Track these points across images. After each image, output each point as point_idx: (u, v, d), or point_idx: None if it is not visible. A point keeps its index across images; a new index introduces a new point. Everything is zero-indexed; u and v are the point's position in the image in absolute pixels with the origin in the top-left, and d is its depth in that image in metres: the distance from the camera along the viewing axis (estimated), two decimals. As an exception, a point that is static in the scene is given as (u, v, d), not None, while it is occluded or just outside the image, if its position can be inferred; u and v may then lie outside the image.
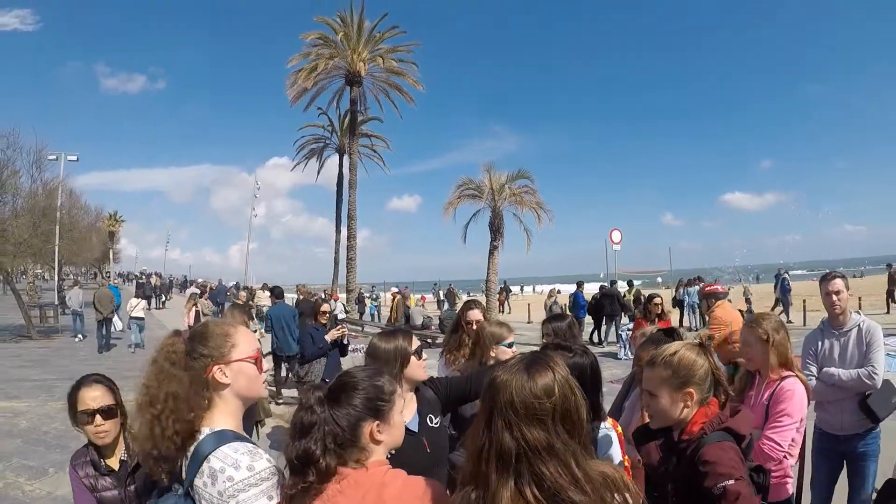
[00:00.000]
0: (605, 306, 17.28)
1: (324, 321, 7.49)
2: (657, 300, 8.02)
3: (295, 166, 36.23)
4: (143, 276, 50.12)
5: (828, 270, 4.18)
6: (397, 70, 28.24)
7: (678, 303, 21.69)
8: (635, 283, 22.84)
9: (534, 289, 51.00)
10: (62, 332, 20.91)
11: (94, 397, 2.53)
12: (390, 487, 1.61)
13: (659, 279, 27.76)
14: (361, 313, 28.57)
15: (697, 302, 18.26)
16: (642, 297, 13.46)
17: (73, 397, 2.53)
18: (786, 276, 21.12)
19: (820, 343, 4.01)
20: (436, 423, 2.64)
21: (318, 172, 36.66)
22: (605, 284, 18.67)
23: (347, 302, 26.41)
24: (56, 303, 25.80)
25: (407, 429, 2.38)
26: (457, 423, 3.23)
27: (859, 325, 3.87)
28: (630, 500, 1.37)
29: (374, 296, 32.02)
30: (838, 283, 3.90)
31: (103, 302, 17.08)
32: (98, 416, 2.51)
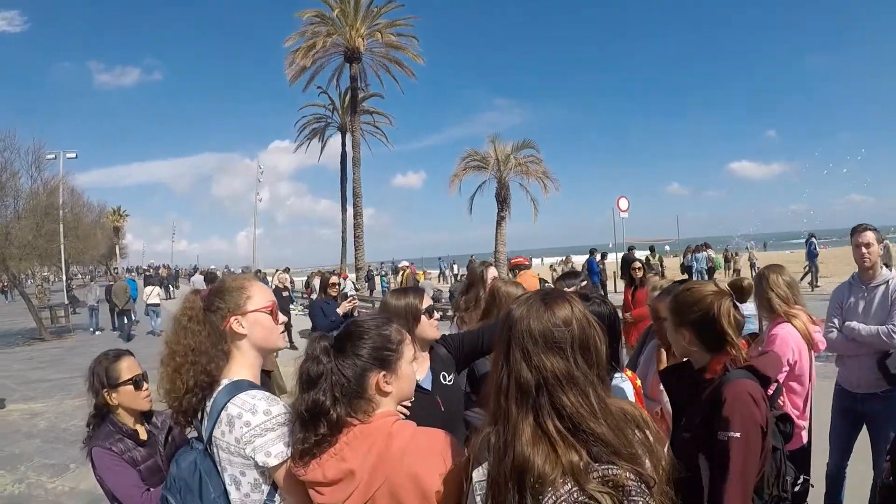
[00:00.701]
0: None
1: (333, 294, 7.45)
2: (636, 264, 8.25)
3: (297, 148, 36.44)
4: (151, 269, 50.38)
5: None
6: (396, 44, 28.14)
7: (686, 269, 21.95)
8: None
9: (542, 261, 50.78)
10: (74, 331, 21.03)
11: (131, 366, 2.62)
12: (398, 438, 1.56)
13: (667, 247, 27.89)
14: (371, 290, 28.68)
15: (705, 267, 18.36)
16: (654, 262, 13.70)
17: (112, 370, 2.58)
18: (813, 240, 21.01)
19: (846, 296, 3.94)
20: (449, 381, 2.61)
21: (321, 152, 36.89)
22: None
23: (357, 280, 26.49)
24: (66, 302, 25.84)
25: (420, 387, 2.39)
26: (472, 383, 3.19)
27: (888, 282, 3.76)
28: (651, 438, 1.32)
29: (384, 272, 32.09)
30: (869, 236, 3.77)
31: (119, 294, 17.75)
32: (143, 382, 2.62)
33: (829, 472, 3.94)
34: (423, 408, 1.77)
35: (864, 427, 3.86)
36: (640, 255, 19.40)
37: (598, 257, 20.31)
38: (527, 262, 8.73)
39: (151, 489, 2.48)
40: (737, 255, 26.94)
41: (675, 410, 2.24)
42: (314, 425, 1.56)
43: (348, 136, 30.81)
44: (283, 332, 1.96)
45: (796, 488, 2.10)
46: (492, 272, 4.20)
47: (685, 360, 2.20)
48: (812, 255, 20.53)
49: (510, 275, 9.03)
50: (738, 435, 1.83)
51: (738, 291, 2.08)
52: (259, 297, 1.88)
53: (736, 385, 1.92)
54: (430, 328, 2.62)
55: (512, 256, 12.85)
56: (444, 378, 2.58)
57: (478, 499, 1.34)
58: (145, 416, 2.67)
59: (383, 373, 1.64)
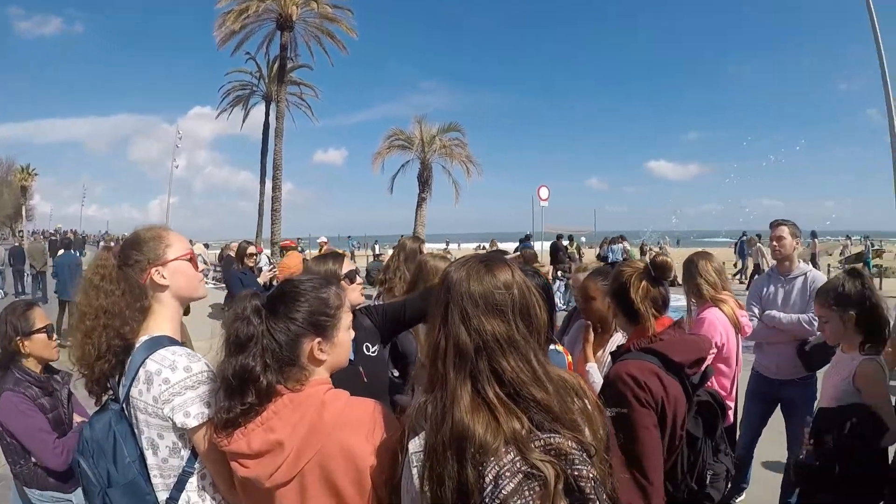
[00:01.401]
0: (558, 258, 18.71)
1: (251, 264, 7.42)
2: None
3: (219, 114, 35.36)
4: (57, 234, 47.69)
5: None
6: (331, 16, 27.60)
7: (603, 259, 22.59)
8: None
9: (459, 245, 51.03)
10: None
11: (42, 316, 2.71)
12: (331, 407, 1.48)
13: (583, 238, 28.88)
14: (223, 272, 28.09)
15: (621, 259, 19.15)
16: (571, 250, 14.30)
17: (26, 318, 2.64)
18: (744, 239, 22.49)
19: (766, 287, 4.15)
20: (373, 352, 2.55)
21: (244, 121, 36.00)
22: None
23: (272, 255, 25.87)
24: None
25: None
26: (395, 359, 3.15)
27: (805, 275, 4.01)
28: (590, 406, 1.30)
29: (301, 248, 31.54)
30: (783, 230, 4.03)
31: (35, 256, 17.50)
32: (53, 332, 2.72)
33: (739, 453, 4.06)
34: (345, 379, 1.66)
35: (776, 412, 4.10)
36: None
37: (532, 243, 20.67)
38: (294, 244, 9.39)
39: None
40: (652, 248, 28.05)
41: None
42: (241, 393, 1.45)
43: (273, 107, 30.08)
44: (202, 280, 1.88)
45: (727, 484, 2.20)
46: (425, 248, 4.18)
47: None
48: (743, 253, 21.91)
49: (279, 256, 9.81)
50: (611, 414, 1.83)
51: (659, 269, 2.16)
52: (178, 244, 1.80)
53: (620, 366, 2.02)
54: (353, 293, 2.56)
55: (283, 240, 13.34)
56: (368, 349, 2.53)
57: (414, 471, 1.28)
58: (48, 370, 2.72)
59: (318, 339, 1.54)
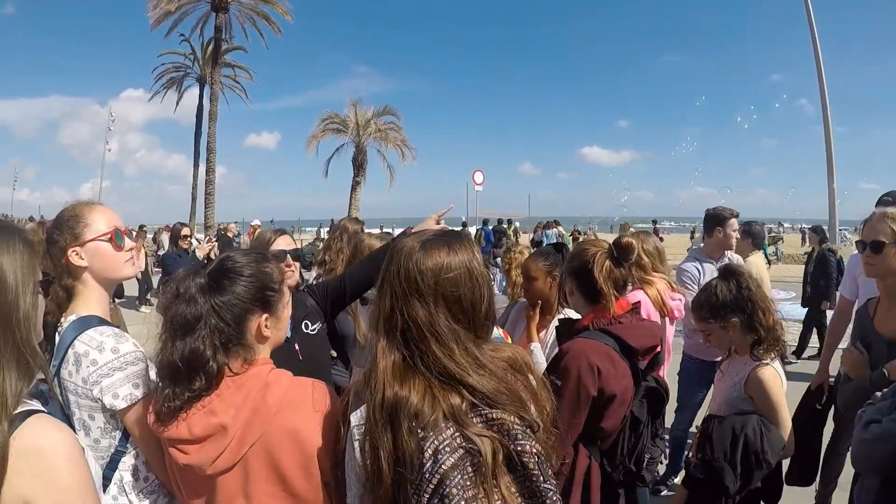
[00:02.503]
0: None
1: (185, 246, 7.33)
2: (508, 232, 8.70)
3: (152, 97, 34.33)
4: (-13, 219, 44.40)
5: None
6: (267, -2, 27.00)
7: (537, 244, 22.88)
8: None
9: (393, 230, 50.96)
10: None
11: None
12: (274, 388, 1.43)
13: (517, 223, 29.57)
14: (221, 250, 27.54)
15: (555, 243, 19.63)
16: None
17: None
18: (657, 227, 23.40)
19: (697, 269, 4.23)
20: (312, 330, 2.47)
21: (177, 104, 35.04)
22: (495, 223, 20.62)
23: (209, 243, 25.27)
24: None
25: None
26: (332, 339, 2.99)
27: (729, 258, 4.23)
28: (535, 383, 1.31)
29: (237, 232, 30.98)
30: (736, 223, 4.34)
31: None
32: None
33: (675, 435, 4.21)
34: (279, 356, 1.62)
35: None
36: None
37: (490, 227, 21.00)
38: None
39: None
40: (585, 233, 29.00)
41: None
42: (189, 379, 1.37)
43: (207, 89, 29.40)
44: (128, 260, 1.80)
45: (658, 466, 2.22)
46: (353, 226, 4.05)
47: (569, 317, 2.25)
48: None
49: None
50: (557, 383, 1.92)
51: (622, 250, 2.16)
52: (97, 223, 1.72)
53: (577, 343, 2.03)
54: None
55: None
56: (307, 326, 2.45)
57: (356, 444, 1.26)
58: None
59: (265, 315, 1.49)
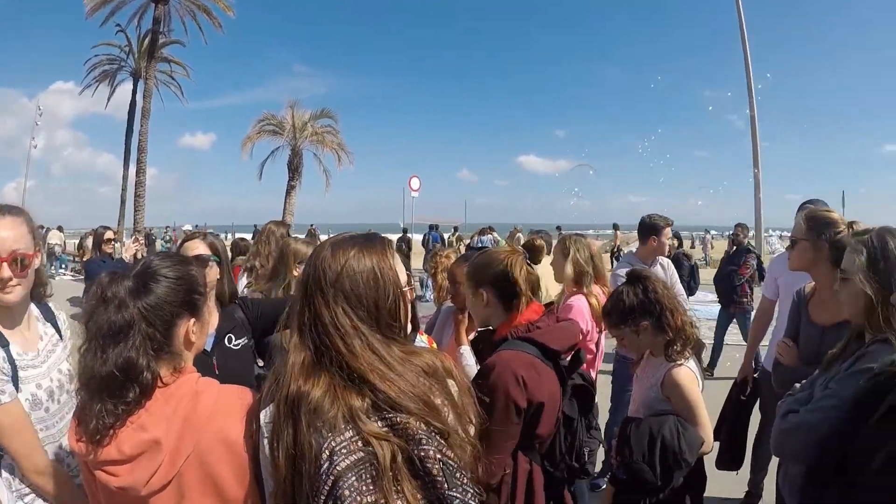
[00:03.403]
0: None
1: (109, 250, 6.98)
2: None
3: (84, 90, 33.07)
4: None
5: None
6: (208, -10, 26.20)
7: (474, 250, 23.16)
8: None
9: (329, 234, 50.64)
10: None
11: None
12: (204, 397, 1.38)
13: (453, 229, 29.82)
14: (148, 252, 26.44)
15: (481, 246, 19.83)
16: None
17: None
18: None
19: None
20: (235, 345, 2.40)
21: (109, 99, 33.76)
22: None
23: (135, 242, 24.20)
24: None
25: None
26: (260, 353, 2.96)
27: (661, 263, 4.49)
28: (454, 388, 1.32)
29: (168, 237, 29.80)
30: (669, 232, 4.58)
31: None
32: None
33: (612, 433, 4.29)
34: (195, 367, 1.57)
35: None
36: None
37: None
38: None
39: None
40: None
41: None
42: (121, 392, 1.30)
43: (141, 84, 28.44)
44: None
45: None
46: (279, 230, 4.08)
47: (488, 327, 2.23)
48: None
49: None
50: (486, 400, 1.87)
51: (531, 251, 2.16)
52: None
53: (501, 356, 1.99)
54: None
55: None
56: (230, 340, 2.39)
57: (265, 441, 1.26)
58: None
59: (193, 320, 1.45)
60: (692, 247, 31.86)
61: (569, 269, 3.60)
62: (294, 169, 27.25)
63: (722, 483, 3.19)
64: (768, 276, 3.92)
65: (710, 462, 2.90)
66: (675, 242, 8.41)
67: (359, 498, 1.12)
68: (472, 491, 1.21)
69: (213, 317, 2.38)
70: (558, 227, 23.70)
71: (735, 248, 8.37)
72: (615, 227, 24.47)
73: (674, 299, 2.54)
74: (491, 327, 2.19)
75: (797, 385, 2.04)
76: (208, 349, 2.27)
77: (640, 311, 2.51)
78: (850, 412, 1.56)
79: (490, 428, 1.80)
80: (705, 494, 2.53)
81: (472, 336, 2.92)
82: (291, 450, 1.18)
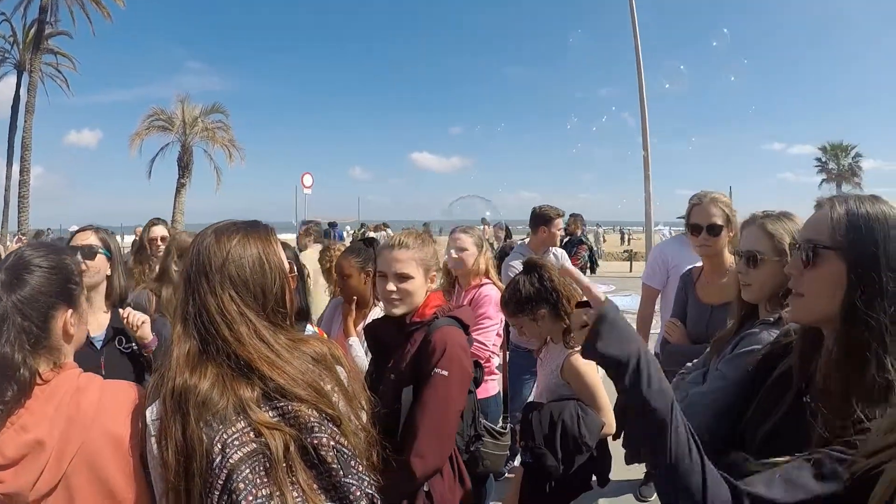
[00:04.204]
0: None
1: None
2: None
3: None
4: None
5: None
6: (98, -21, 25.10)
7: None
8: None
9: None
10: None
11: None
12: (88, 392, 1.31)
13: (348, 227, 29.65)
14: None
15: (365, 238, 20.11)
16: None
17: None
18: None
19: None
20: (126, 348, 2.37)
21: None
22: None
23: (18, 244, 22.81)
24: None
25: (90, 341, 2.22)
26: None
27: (553, 253, 4.59)
28: (344, 375, 1.33)
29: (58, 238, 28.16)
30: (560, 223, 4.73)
31: None
32: None
33: (513, 422, 4.31)
34: (79, 363, 1.47)
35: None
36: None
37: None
38: None
39: None
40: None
41: (379, 356, 2.31)
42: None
43: (25, 77, 26.74)
44: None
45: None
46: (157, 231, 4.10)
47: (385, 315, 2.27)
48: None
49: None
50: (445, 374, 1.96)
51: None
52: None
53: (446, 331, 2.06)
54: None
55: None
56: (121, 343, 2.35)
57: (152, 439, 1.22)
58: None
59: (71, 311, 1.38)
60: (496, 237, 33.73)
61: (482, 261, 3.68)
62: (184, 166, 26.63)
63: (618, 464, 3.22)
64: (654, 264, 3.94)
65: (617, 445, 2.91)
66: (503, 234, 8.76)
67: (254, 491, 1.11)
68: (367, 479, 1.23)
69: (99, 314, 2.38)
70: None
71: (568, 238, 8.42)
72: (483, 221, 25.21)
73: (570, 286, 2.58)
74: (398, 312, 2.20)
75: (689, 364, 2.09)
76: (98, 347, 2.27)
77: (536, 300, 2.58)
78: (736, 392, 1.57)
79: (440, 406, 1.95)
80: (615, 477, 2.62)
81: (359, 327, 2.96)
82: (181, 446, 1.15)
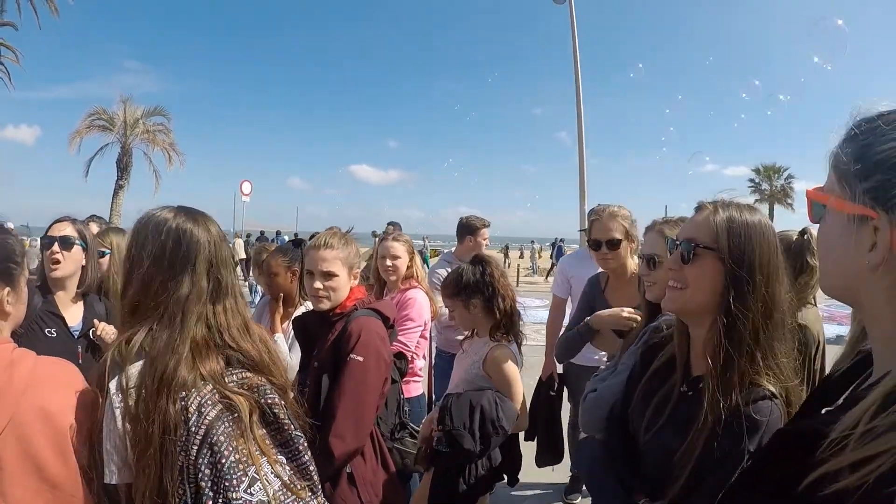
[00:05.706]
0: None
1: None
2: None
3: None
4: None
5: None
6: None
7: None
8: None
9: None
10: None
11: None
12: (20, 366, 1.31)
13: (286, 237, 29.74)
14: None
15: (294, 239, 19.84)
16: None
17: None
18: (561, 244, 24.86)
19: (448, 272, 4.45)
20: (98, 339, 2.45)
21: None
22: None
23: None
24: None
25: (68, 329, 2.36)
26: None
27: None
28: (272, 359, 1.47)
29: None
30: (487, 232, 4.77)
31: None
32: None
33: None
34: (59, 353, 1.56)
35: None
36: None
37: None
38: None
39: None
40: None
41: (306, 347, 2.42)
42: None
43: None
44: None
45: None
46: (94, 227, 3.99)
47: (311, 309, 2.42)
48: (560, 255, 23.62)
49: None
50: (360, 359, 2.10)
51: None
52: None
53: (363, 320, 2.20)
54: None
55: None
56: (93, 334, 2.43)
57: (116, 411, 1.27)
58: None
59: (7, 289, 1.39)
60: (521, 256, 35.57)
61: (413, 267, 3.73)
62: (123, 168, 26.01)
63: (545, 471, 3.40)
64: (560, 275, 4.16)
65: (532, 449, 3.23)
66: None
67: (234, 443, 1.23)
68: (307, 438, 1.40)
69: (75, 304, 2.49)
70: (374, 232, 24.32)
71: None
72: (374, 234, 25.33)
73: (508, 287, 2.78)
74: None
75: (602, 366, 2.23)
76: (74, 336, 2.39)
77: (474, 288, 2.72)
78: (629, 382, 1.68)
79: (359, 388, 2.08)
80: (534, 480, 2.76)
81: (286, 324, 3.11)
82: (161, 419, 1.23)
